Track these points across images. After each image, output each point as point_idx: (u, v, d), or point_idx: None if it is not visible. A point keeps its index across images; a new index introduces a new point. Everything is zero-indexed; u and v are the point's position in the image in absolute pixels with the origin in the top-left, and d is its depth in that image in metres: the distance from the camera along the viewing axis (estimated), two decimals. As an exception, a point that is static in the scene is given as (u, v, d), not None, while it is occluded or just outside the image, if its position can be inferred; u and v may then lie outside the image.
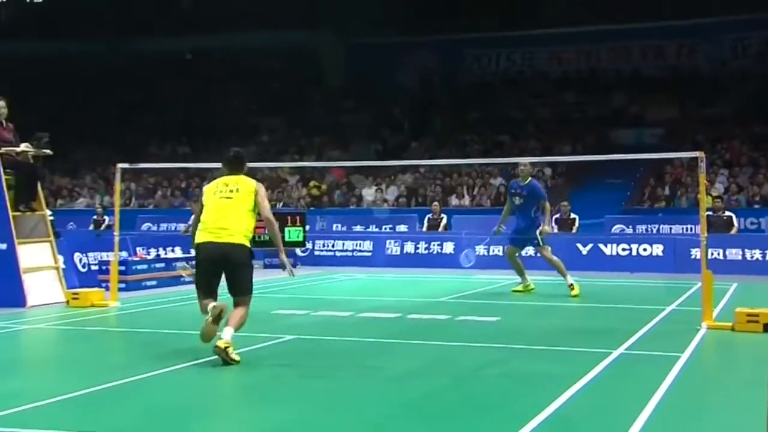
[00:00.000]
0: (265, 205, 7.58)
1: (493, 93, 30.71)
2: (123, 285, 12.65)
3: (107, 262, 12.85)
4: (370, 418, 5.52)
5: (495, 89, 31.05)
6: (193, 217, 7.72)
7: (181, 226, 21.04)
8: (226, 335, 7.08)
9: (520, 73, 32.21)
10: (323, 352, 8.00)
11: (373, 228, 21.19)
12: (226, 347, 6.99)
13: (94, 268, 13.89)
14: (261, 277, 16.02)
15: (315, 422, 5.46)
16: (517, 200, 13.04)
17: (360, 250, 19.34)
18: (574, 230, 18.76)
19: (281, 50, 33.05)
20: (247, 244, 7.39)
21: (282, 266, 7.64)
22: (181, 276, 13.69)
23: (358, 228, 21.25)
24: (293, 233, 18.61)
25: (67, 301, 11.36)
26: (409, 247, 19.06)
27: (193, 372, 6.98)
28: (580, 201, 21.06)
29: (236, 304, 7.38)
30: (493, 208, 21.83)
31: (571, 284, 12.67)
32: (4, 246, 11.37)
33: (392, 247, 19.19)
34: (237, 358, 7.06)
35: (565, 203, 19.45)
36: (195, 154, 29.61)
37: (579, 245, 17.77)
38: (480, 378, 6.82)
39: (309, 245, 19.34)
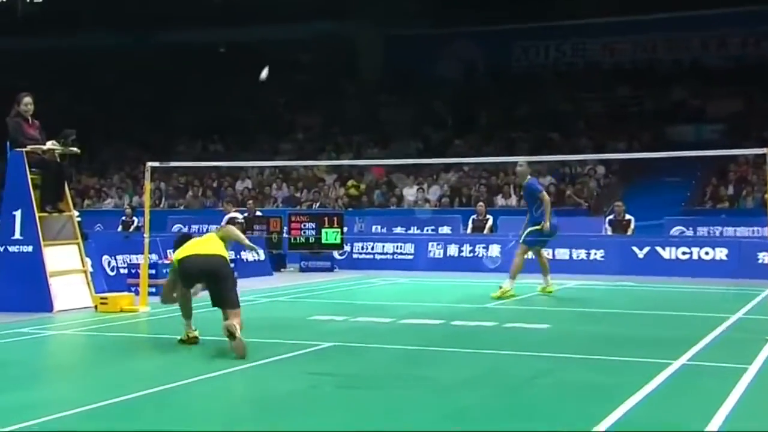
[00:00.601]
0: (221, 228, 9.30)
1: (542, 87, 30.49)
2: (153, 289, 12.72)
3: (137, 265, 12.99)
4: (414, 431, 5.49)
5: (544, 83, 30.82)
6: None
7: (213, 228, 21.21)
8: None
9: (571, 65, 31.93)
10: (363, 361, 8.01)
11: (414, 229, 21.20)
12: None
13: (123, 271, 14.04)
14: (297, 281, 16.16)
15: (355, 434, 5.46)
16: (524, 202, 13.70)
17: (401, 253, 19.34)
18: (629, 232, 18.57)
19: (315, 42, 33.17)
20: (227, 258, 8.45)
21: (250, 249, 9.07)
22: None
23: (399, 230, 21.28)
24: (330, 235, 18.68)
25: (95, 306, 11.48)
26: (452, 250, 19.02)
27: (227, 380, 7.02)
28: (636, 201, 20.86)
29: (229, 318, 7.96)
30: (542, 208, 21.71)
31: (505, 290, 12.78)
32: (30, 248, 11.54)
33: (435, 250, 19.16)
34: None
35: (620, 203, 19.27)
36: (227, 151, 29.84)
37: (635, 248, 17.60)
38: (530, 389, 6.77)
39: (347, 248, 19.42)
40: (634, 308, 12.06)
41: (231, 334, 7.73)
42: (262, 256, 17.74)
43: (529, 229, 13.24)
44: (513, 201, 24.02)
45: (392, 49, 33.66)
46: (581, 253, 17.95)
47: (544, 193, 13.29)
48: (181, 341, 8.63)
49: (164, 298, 8.81)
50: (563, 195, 23.39)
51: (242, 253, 16.60)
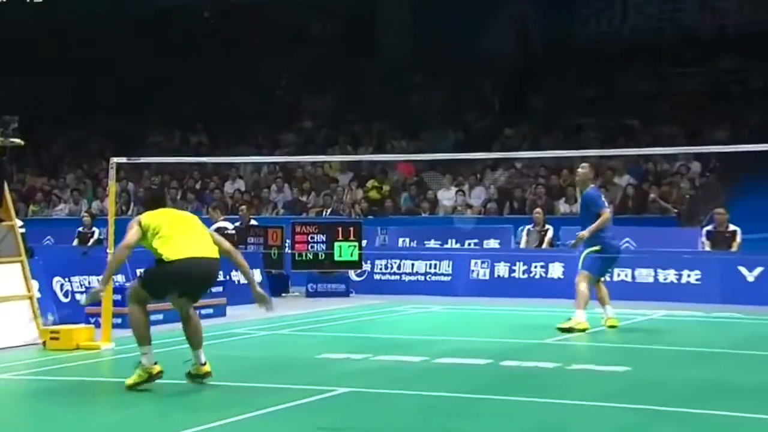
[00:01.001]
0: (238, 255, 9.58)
1: (618, 60, 30.40)
2: (119, 320, 12.71)
3: (97, 289, 12.96)
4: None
5: (620, 55, 30.72)
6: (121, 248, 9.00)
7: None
8: (204, 358, 8.74)
9: (657, 31, 31.76)
10: (386, 411, 7.99)
11: (452, 243, 21.19)
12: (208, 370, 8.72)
13: (79, 297, 14.05)
14: (303, 309, 16.16)
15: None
16: (580, 213, 13.92)
17: (435, 273, 19.32)
18: (734, 248, 18.44)
19: (328, 6, 33.24)
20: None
21: (259, 300, 9.15)
22: None
23: (433, 243, 21.27)
24: (345, 250, 18.67)
25: (44, 342, 11.48)
26: (501, 270, 18.99)
27: (212, 437, 6.99)
28: (743, 207, 20.69)
29: (189, 312, 8.95)
30: (616, 216, 21.52)
31: (575, 323, 12.74)
32: (-41, 267, 11.60)
33: (479, 270, 19.13)
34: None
35: (721, 210, 19.11)
36: (214, 144, 29.93)
37: (742, 269, 17.47)
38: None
39: (366, 266, 19.43)
40: (742, 348, 11.96)
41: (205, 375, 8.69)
42: (259, 278, 17.71)
43: (587, 251, 13.26)
44: (578, 207, 23.89)
45: (423, 15, 33.63)
46: (670, 275, 17.83)
47: (607, 210, 13.45)
48: (141, 380, 8.52)
49: (100, 288, 9.24)
50: (646, 199, 23.22)
51: (232, 273, 16.58)
